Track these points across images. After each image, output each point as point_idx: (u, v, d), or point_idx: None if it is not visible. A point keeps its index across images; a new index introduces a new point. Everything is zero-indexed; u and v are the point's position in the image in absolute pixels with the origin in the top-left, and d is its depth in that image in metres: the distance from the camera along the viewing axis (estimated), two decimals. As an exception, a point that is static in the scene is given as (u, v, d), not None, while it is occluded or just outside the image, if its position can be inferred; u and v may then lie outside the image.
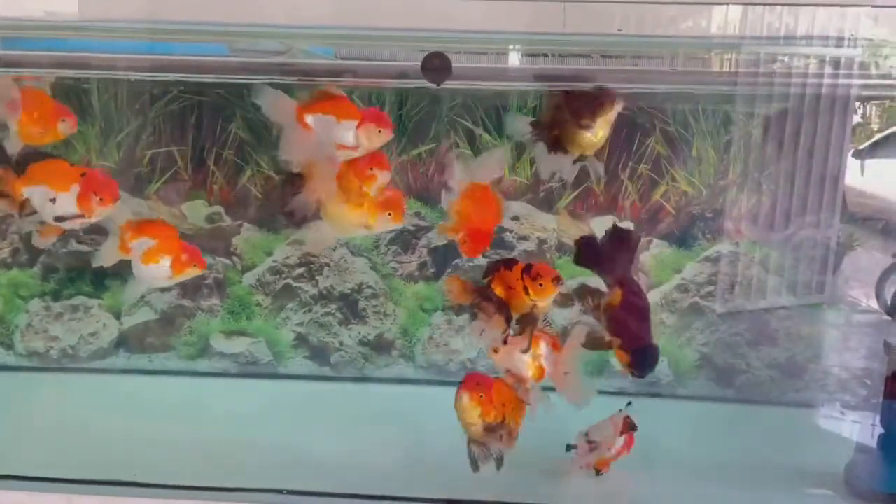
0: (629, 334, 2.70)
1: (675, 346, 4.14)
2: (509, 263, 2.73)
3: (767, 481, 3.27)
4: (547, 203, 4.22)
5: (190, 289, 4.19)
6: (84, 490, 2.90)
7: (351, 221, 2.73)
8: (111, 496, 2.90)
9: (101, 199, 2.54)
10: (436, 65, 2.89)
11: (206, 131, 4.17)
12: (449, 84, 2.90)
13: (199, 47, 3.58)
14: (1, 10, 3.02)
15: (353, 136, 2.56)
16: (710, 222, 4.18)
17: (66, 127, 2.83)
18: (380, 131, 2.57)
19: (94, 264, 2.92)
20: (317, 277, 4.21)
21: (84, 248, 4.15)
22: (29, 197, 2.56)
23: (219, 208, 4.25)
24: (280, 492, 2.96)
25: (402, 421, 3.75)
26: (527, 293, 2.65)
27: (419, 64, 2.91)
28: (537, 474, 3.13)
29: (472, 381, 2.71)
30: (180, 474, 3.03)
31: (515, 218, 4.16)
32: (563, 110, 2.66)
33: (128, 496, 2.91)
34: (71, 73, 3.78)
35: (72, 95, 4.08)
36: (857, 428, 3.72)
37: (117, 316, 4.27)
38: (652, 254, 4.22)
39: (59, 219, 2.58)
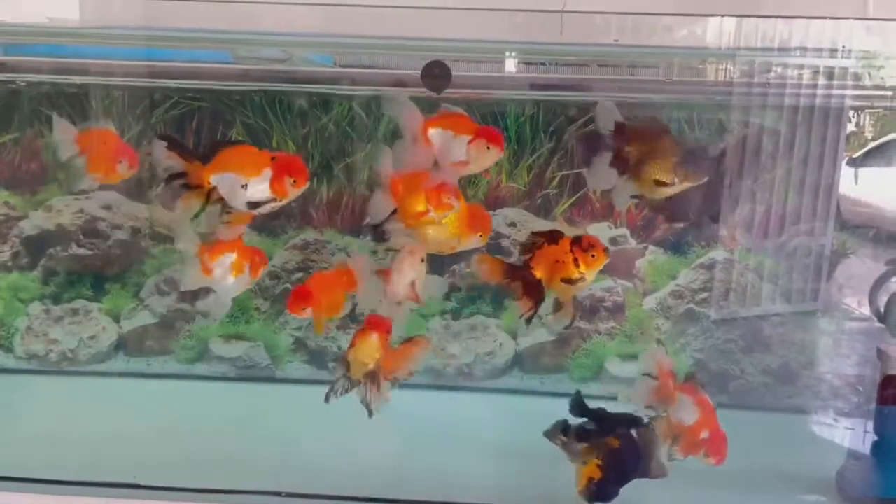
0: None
1: (669, 351, 4.16)
2: (553, 237, 2.64)
3: (760, 487, 3.28)
4: (544, 210, 4.25)
5: (189, 293, 4.21)
6: (82, 492, 2.91)
7: (441, 242, 2.70)
8: (109, 498, 2.91)
9: (294, 182, 2.47)
10: (435, 73, 2.91)
11: (205, 137, 4.19)
12: (449, 92, 2.92)
13: (200, 54, 3.60)
14: (3, 15, 3.04)
15: (464, 151, 2.53)
16: (705, 229, 4.22)
17: (123, 168, 2.86)
18: (489, 148, 2.52)
19: (182, 289, 2.88)
20: (315, 282, 4.23)
21: (84, 251, 4.18)
22: (217, 185, 2.48)
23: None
24: (278, 494, 2.97)
25: (397, 424, 3.77)
26: (576, 264, 2.60)
27: (419, 72, 2.93)
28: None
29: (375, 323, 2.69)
30: (178, 477, 3.04)
31: (513, 224, 4.19)
32: (651, 150, 2.60)
33: (126, 498, 2.92)
34: (76, 79, 3.80)
35: (72, 100, 4.10)
36: (848, 434, 3.74)
37: (117, 319, 4.29)
38: (647, 260, 4.25)
39: (252, 205, 2.49)
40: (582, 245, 2.59)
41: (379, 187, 2.61)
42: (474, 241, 2.71)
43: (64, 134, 2.94)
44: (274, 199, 2.49)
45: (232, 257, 2.74)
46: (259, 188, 2.46)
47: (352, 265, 2.77)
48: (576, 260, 2.59)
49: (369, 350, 2.70)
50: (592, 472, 2.74)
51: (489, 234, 2.77)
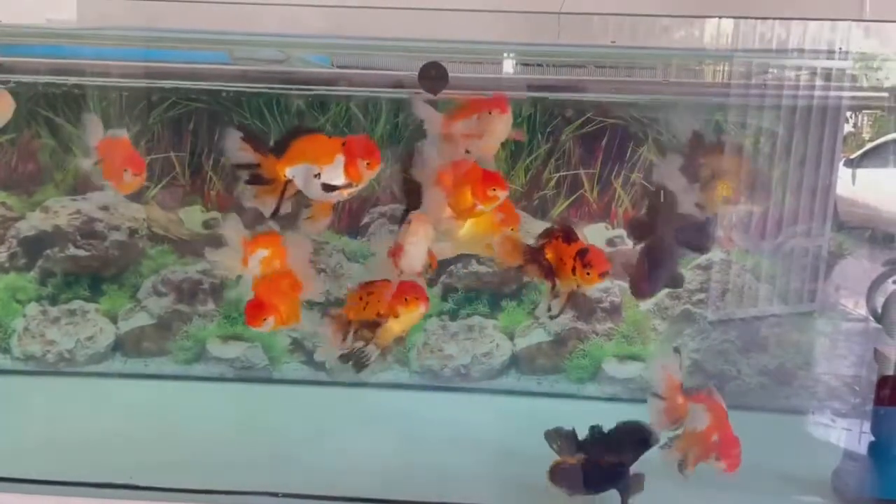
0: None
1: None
2: (568, 237, 2.68)
3: (757, 487, 3.29)
4: (541, 211, 4.25)
5: (186, 294, 4.21)
6: (79, 493, 2.91)
7: (474, 238, 2.73)
8: (106, 499, 2.91)
9: (368, 164, 2.43)
10: (432, 74, 2.91)
11: (203, 138, 4.19)
12: (445, 93, 2.92)
13: (197, 55, 3.60)
14: (1, 16, 3.04)
15: (475, 127, 2.54)
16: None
17: (128, 177, 2.87)
18: (490, 113, 2.52)
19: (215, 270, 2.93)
20: (313, 283, 4.23)
21: (82, 252, 4.18)
22: (292, 178, 2.46)
23: (216, 214, 4.27)
24: (275, 495, 2.97)
25: (395, 425, 3.78)
26: (573, 273, 2.64)
27: (416, 73, 2.93)
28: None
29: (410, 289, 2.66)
30: (175, 478, 3.04)
31: (510, 225, 4.19)
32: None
33: (123, 499, 2.92)
34: (73, 79, 3.80)
35: (71, 102, 4.11)
36: (844, 435, 3.74)
37: (114, 320, 4.29)
38: (644, 261, 4.25)
39: (328, 188, 2.45)
40: (584, 259, 2.63)
41: (425, 182, 2.59)
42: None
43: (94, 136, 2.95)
44: (350, 185, 2.46)
45: (265, 253, 2.71)
46: (334, 175, 2.43)
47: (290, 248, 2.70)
48: (573, 269, 2.63)
49: (411, 320, 2.66)
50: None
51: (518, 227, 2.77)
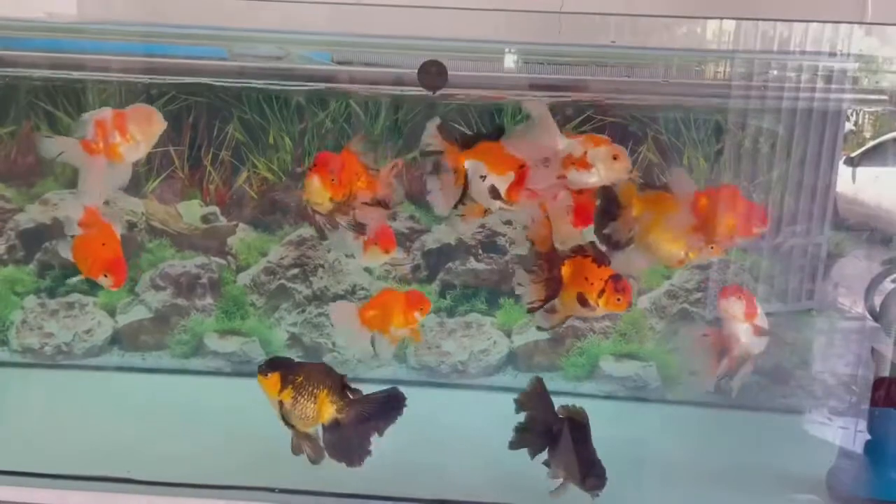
0: None
1: (662, 351, 4.18)
2: (600, 257, 2.62)
3: (752, 485, 3.30)
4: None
5: (184, 288, 4.22)
6: (77, 486, 2.92)
7: (669, 253, 2.70)
8: (104, 492, 2.91)
9: (528, 194, 2.50)
10: (432, 72, 2.91)
11: (202, 132, 4.19)
12: (445, 91, 2.92)
13: (196, 50, 3.60)
14: (1, 10, 3.03)
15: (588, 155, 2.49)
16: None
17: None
18: (615, 159, 2.46)
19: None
20: (311, 278, 4.24)
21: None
22: (468, 170, 2.52)
23: (214, 208, 4.28)
24: (272, 490, 2.98)
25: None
26: (598, 295, 2.59)
27: (415, 70, 2.93)
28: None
29: (322, 163, 2.64)
30: (173, 471, 3.05)
31: (508, 222, 4.20)
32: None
33: (121, 492, 2.93)
34: (74, 74, 3.80)
35: (70, 95, 4.10)
36: (839, 433, 3.76)
37: (112, 314, 4.29)
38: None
39: (493, 191, 2.51)
40: (616, 285, 2.58)
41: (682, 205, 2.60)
42: (705, 253, 2.70)
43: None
44: (504, 203, 2.52)
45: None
46: (497, 184, 2.49)
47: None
48: (601, 291, 2.59)
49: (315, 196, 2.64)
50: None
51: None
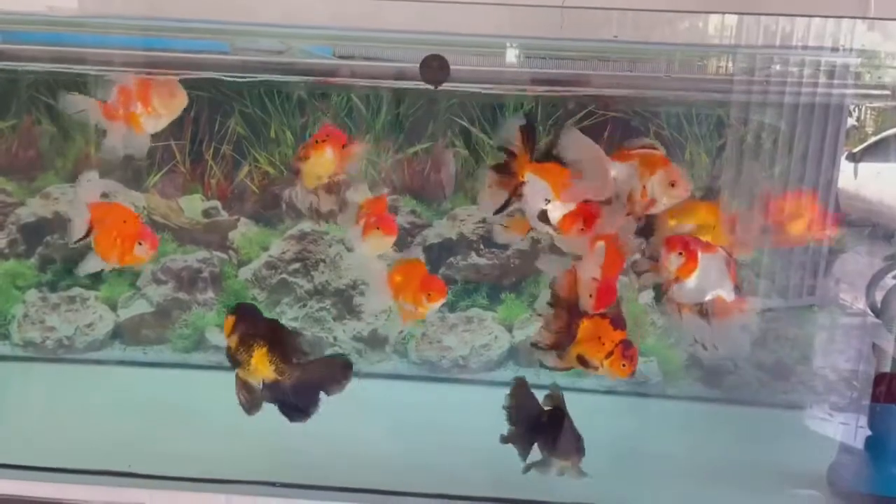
0: None
1: (664, 346, 4.19)
2: (617, 322, 2.61)
3: (753, 481, 3.31)
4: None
5: (186, 282, 4.22)
6: (78, 480, 2.92)
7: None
8: (105, 486, 2.92)
9: (582, 229, 2.47)
10: (434, 66, 2.91)
11: (203, 126, 4.19)
12: (447, 86, 2.92)
13: (197, 44, 3.59)
14: (3, 4, 3.03)
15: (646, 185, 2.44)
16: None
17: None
18: (672, 184, 2.40)
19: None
20: (312, 273, 4.25)
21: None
22: (526, 182, 2.47)
23: (216, 202, 4.28)
24: (272, 484, 2.99)
25: (393, 415, 3.79)
26: (607, 356, 2.60)
27: (417, 65, 2.93)
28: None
29: (335, 136, 2.67)
30: (174, 466, 3.05)
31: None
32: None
33: (121, 486, 2.93)
34: (75, 68, 3.78)
35: (72, 89, 4.09)
36: (840, 429, 3.76)
37: (113, 308, 4.29)
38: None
39: (542, 216, 2.49)
40: (625, 352, 2.58)
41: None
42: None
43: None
44: (553, 229, 2.49)
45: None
46: (555, 210, 2.46)
47: None
48: (610, 353, 2.59)
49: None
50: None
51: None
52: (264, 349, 2.59)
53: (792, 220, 2.62)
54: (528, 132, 2.48)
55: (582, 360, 2.65)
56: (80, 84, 4.08)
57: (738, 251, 2.67)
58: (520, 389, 2.87)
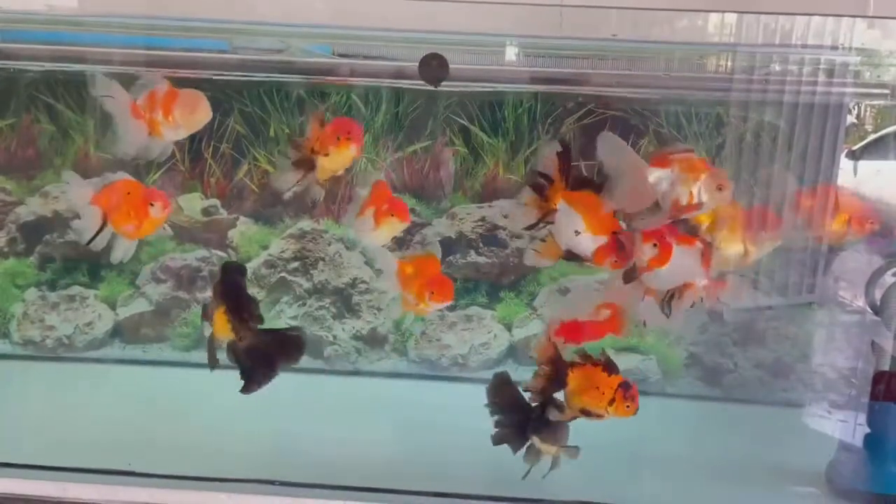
0: None
1: (663, 344, 4.19)
2: (610, 368, 2.67)
3: (752, 479, 3.31)
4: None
5: (185, 281, 4.22)
6: (78, 479, 2.92)
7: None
8: (105, 485, 2.92)
9: (615, 262, 2.49)
10: (433, 64, 2.91)
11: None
12: (446, 85, 2.92)
13: (197, 42, 3.60)
14: (2, 2, 3.03)
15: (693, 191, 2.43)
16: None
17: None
18: (719, 188, 2.39)
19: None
20: (311, 271, 4.25)
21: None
22: (559, 211, 2.51)
23: (215, 201, 4.28)
24: (272, 482, 2.99)
25: (392, 414, 3.79)
26: (610, 403, 2.64)
27: (416, 64, 2.93)
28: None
29: (357, 133, 2.66)
30: (174, 464, 3.06)
31: (508, 216, 4.20)
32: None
33: (122, 485, 2.94)
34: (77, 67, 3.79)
35: (71, 88, 4.10)
36: (839, 427, 3.76)
37: (113, 306, 4.29)
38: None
39: (569, 253, 2.53)
40: (626, 393, 2.62)
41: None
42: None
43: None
44: (573, 257, 2.52)
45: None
46: (582, 244, 2.48)
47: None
48: (612, 400, 2.63)
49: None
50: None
51: None
52: (221, 308, 2.65)
53: (833, 216, 2.66)
54: (564, 158, 2.48)
55: (585, 412, 2.69)
56: (78, 83, 4.10)
57: (764, 245, 2.74)
58: (500, 386, 2.89)
